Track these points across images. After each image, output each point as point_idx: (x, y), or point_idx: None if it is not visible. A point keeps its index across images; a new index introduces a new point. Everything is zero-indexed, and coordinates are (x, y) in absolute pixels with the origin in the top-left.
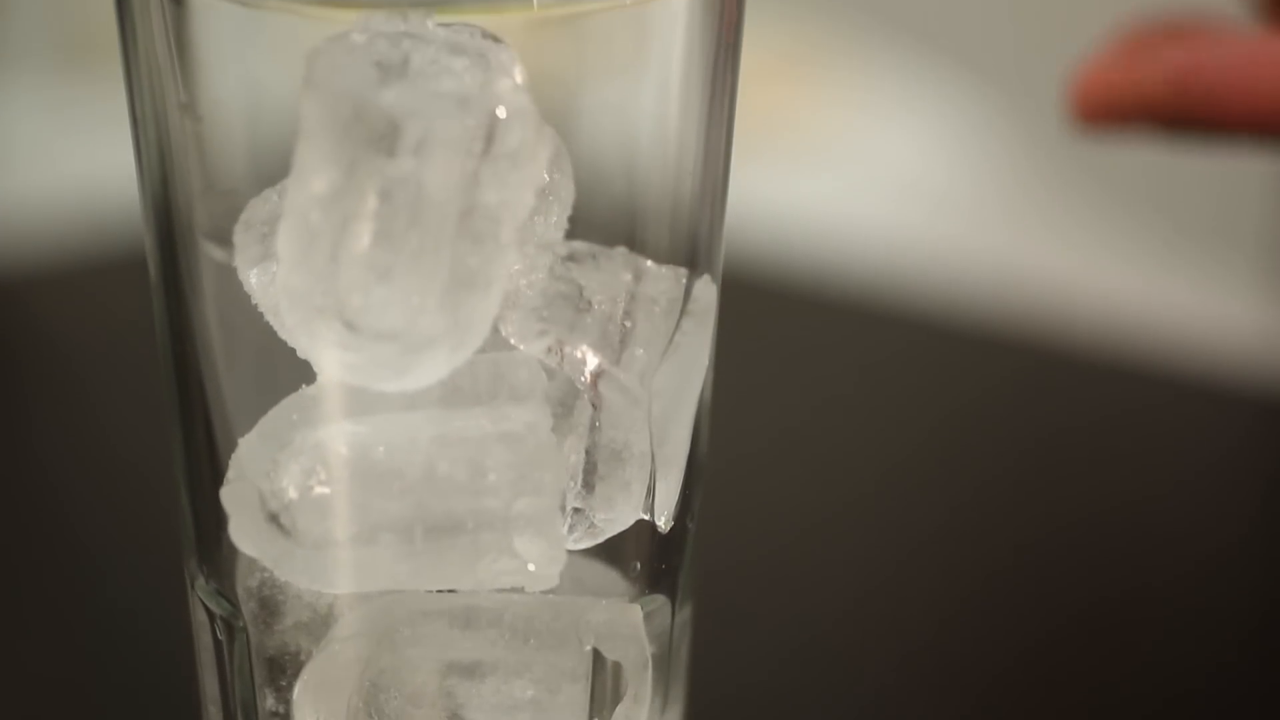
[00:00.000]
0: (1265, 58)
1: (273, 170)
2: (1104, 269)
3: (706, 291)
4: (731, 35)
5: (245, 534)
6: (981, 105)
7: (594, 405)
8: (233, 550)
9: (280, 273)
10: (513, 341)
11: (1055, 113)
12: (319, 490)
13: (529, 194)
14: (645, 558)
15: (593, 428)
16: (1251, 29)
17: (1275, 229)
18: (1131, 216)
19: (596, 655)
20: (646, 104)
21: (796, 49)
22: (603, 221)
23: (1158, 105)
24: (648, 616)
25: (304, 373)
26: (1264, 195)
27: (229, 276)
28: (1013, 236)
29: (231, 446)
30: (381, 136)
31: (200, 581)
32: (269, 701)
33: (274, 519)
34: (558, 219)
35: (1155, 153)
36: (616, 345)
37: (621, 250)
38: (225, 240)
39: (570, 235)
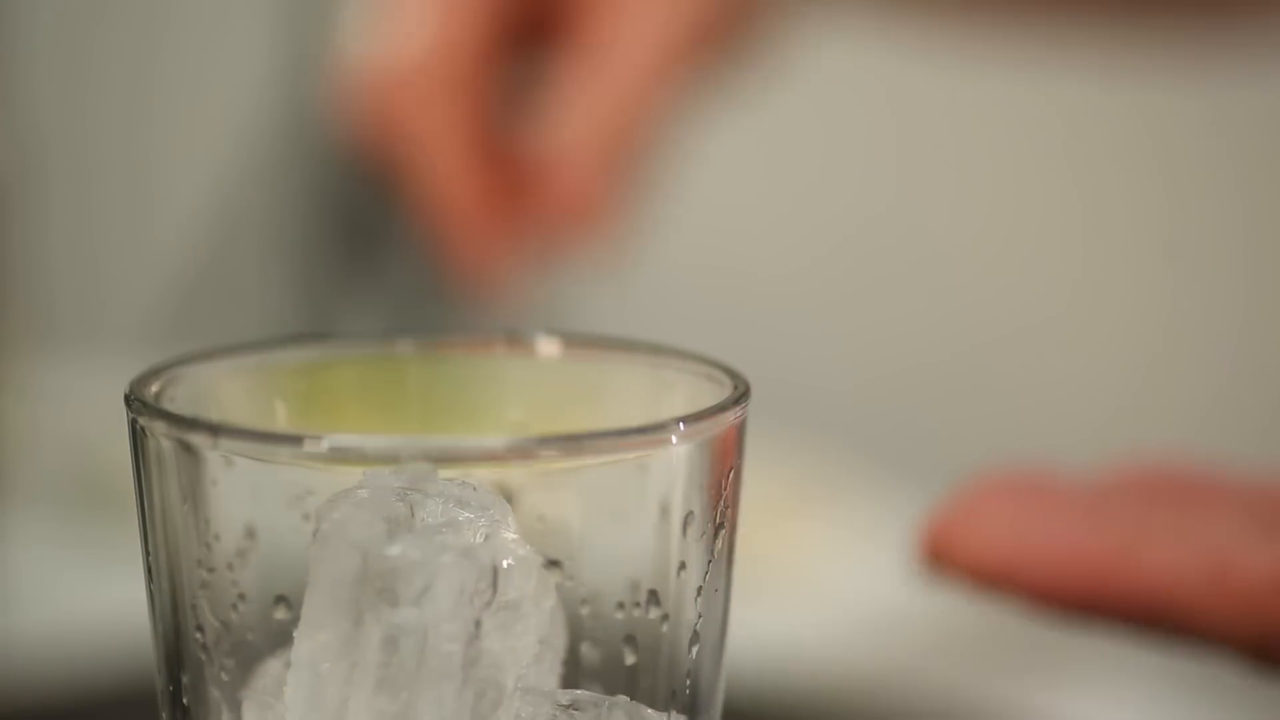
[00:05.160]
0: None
1: (283, 621)
2: None
3: None
4: (732, 482)
5: None
6: None
7: None
8: None
9: None
10: None
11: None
12: None
13: (533, 641)
14: None
15: None
16: (1091, 490)
17: None
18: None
19: None
20: (646, 551)
21: (795, 490)
22: (604, 669)
23: (986, 577)
24: None
25: None
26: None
27: None
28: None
29: None
30: (388, 587)
31: None
32: None
33: None
34: (550, 664)
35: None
36: None
37: (623, 699)
38: (236, 695)
39: (572, 683)
